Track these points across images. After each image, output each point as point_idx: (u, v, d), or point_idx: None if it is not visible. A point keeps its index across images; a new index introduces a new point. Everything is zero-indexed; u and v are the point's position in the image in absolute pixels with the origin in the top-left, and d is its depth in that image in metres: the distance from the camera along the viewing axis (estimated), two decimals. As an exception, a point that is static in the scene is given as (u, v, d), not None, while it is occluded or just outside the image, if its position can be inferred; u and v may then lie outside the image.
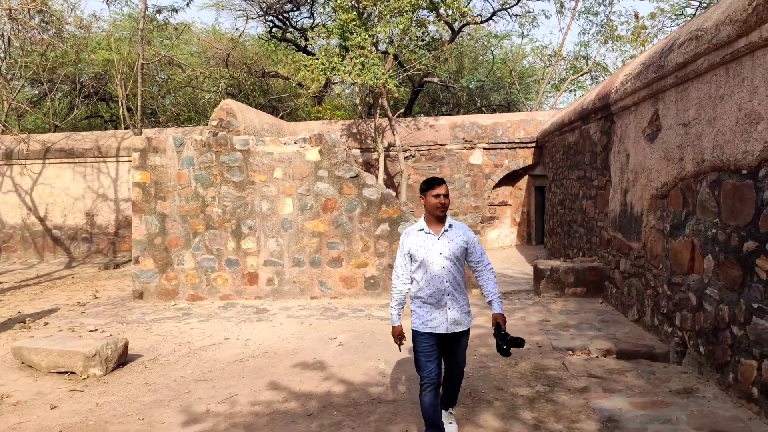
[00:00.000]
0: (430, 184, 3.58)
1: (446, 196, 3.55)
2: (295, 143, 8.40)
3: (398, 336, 3.67)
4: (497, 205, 14.47)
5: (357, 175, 8.27)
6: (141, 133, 13.31)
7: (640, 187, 6.25)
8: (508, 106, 21.50)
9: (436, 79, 18.02)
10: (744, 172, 4.10)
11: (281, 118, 18.98)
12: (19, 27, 15.53)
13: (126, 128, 16.72)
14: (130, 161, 13.87)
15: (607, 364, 5.20)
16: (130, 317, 7.66)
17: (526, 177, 14.32)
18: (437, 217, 3.57)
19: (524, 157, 13.96)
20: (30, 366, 5.45)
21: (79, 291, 10.08)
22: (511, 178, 14.36)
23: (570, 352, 5.56)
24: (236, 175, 8.36)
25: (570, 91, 21.62)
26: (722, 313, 4.39)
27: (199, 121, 20.04)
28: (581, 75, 20.10)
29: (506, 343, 3.43)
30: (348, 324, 6.97)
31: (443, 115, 19.76)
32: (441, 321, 3.54)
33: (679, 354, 5.18)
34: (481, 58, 22.39)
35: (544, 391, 4.57)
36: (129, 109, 17.60)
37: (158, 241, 8.44)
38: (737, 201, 4.19)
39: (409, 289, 3.66)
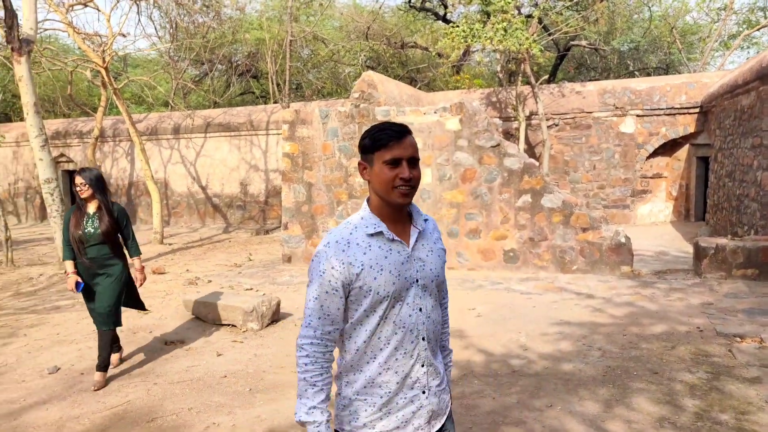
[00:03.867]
0: (379, 138, 1.75)
1: (415, 162, 1.77)
2: (435, 113, 8.34)
3: None
4: (650, 178, 13.32)
5: (498, 144, 8.03)
6: (289, 107, 14.06)
7: (837, 154, 5.35)
8: (667, 69, 19.55)
9: (584, 42, 16.87)
10: None
11: (419, 88, 19.00)
12: (185, 12, 17.04)
13: (275, 103, 17.77)
14: (279, 134, 14.76)
15: (785, 355, 4.59)
16: (280, 279, 8.23)
17: (686, 146, 12.97)
18: (396, 206, 1.79)
19: (685, 125, 12.64)
20: (198, 317, 6.08)
21: (235, 253, 11.02)
22: (667, 148, 13.10)
23: (738, 339, 4.98)
24: (377, 145, 8.51)
25: (743, 48, 19.10)
26: None
27: (340, 93, 20.74)
28: (758, 29, 17.61)
29: None
30: (486, 296, 6.87)
31: (590, 80, 18.49)
32: (405, 417, 1.80)
33: None
34: (636, 16, 20.51)
35: (708, 378, 4.15)
36: (277, 85, 18.68)
37: (305, 209, 8.92)
38: None
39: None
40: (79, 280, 4.40)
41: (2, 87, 20.41)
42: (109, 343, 4.45)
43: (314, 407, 1.75)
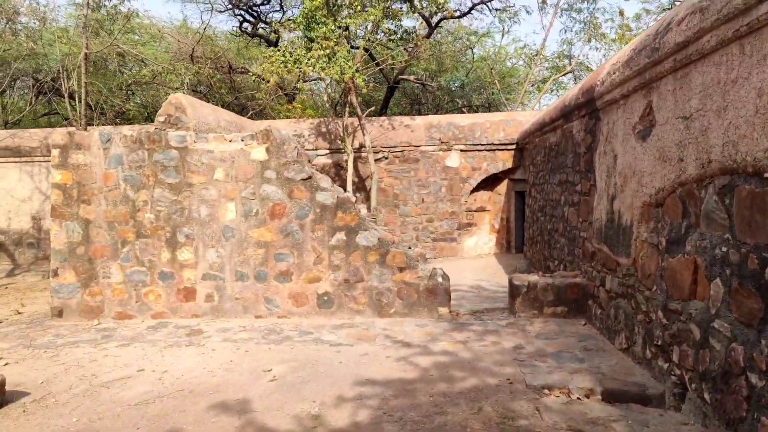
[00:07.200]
0: None
1: None
2: (242, 140, 7.40)
3: None
4: (475, 211, 13.55)
5: (309, 177, 7.27)
6: (85, 130, 12.20)
7: (630, 193, 5.33)
8: (489, 107, 20.65)
9: (412, 77, 17.09)
10: (766, 175, 3.18)
11: (250, 116, 17.91)
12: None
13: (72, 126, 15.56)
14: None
15: (590, 409, 4.25)
16: (40, 340, 6.58)
17: (505, 181, 13.42)
18: None
19: (504, 160, 13.06)
20: None
21: (4, 304, 8.97)
22: (489, 183, 13.45)
23: (546, 392, 4.60)
24: (171, 176, 7.32)
25: (552, 91, 20.84)
26: (735, 355, 3.46)
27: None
28: (563, 75, 19.31)
29: None
30: (291, 351, 5.96)
31: (422, 115, 18.85)
32: None
33: (677, 397, 4.25)
34: (464, 58, 21.52)
35: (512, 450, 3.60)
36: (89, 106, 16.42)
37: (81, 251, 7.35)
38: (756, 212, 3.27)
39: None
40: None
41: None
42: None
43: None
